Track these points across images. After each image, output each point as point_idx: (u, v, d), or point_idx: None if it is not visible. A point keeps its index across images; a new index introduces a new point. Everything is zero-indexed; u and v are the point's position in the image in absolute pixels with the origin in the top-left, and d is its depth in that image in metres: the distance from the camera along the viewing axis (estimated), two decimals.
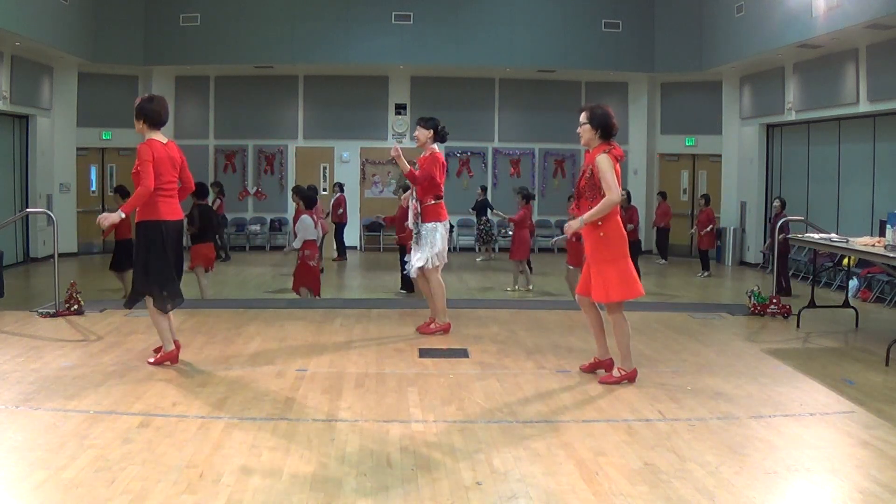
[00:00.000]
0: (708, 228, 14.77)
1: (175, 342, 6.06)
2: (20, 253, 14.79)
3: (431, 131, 7.25)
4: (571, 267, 10.73)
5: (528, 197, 12.56)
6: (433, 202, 7.16)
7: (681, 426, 4.70)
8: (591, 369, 5.91)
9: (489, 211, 16.62)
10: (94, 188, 17.13)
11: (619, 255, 5.56)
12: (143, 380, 5.54)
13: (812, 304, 8.25)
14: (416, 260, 7.20)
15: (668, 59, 17.12)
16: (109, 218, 5.95)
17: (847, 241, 7.66)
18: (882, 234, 7.62)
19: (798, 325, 7.99)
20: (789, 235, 9.47)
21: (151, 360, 6.02)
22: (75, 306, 7.87)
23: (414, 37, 16.79)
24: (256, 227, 18.39)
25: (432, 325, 7.34)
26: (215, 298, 10.51)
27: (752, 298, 8.62)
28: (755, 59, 14.57)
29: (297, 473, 3.89)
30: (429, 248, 7.13)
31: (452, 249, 18.14)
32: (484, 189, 17.31)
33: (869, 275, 11.43)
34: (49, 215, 9.68)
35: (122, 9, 16.22)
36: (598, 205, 5.46)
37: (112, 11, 15.94)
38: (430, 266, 7.16)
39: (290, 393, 5.29)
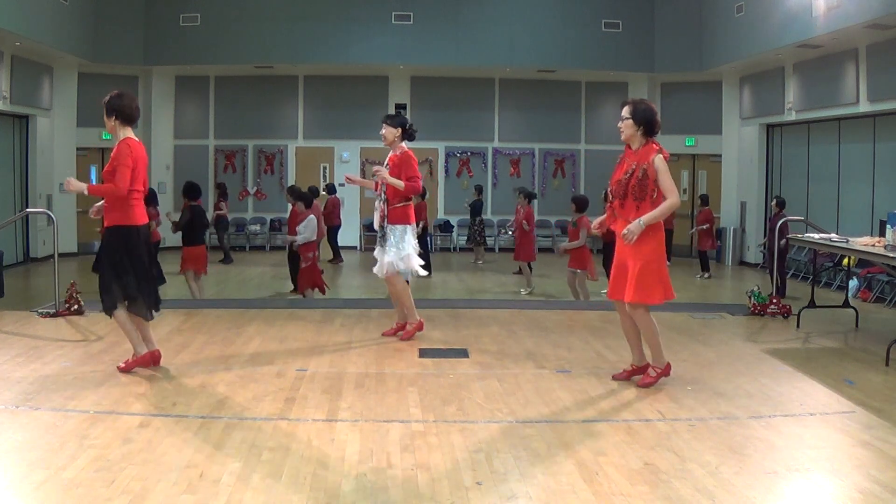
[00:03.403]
0: (703, 227, 14.72)
1: (156, 350, 5.85)
2: (20, 253, 14.79)
3: (399, 129, 6.88)
4: (574, 270, 10.74)
5: (529, 196, 12.59)
6: (403, 203, 6.84)
7: (681, 426, 4.70)
8: (627, 377, 5.69)
9: (481, 214, 16.61)
10: None
11: (662, 258, 5.44)
12: (143, 380, 5.54)
13: (812, 304, 8.25)
14: (386, 263, 6.83)
15: (668, 59, 17.12)
16: (73, 184, 5.60)
17: (847, 241, 7.66)
18: (882, 234, 7.62)
19: (798, 325, 7.98)
20: (788, 236, 9.47)
21: (122, 364, 5.75)
22: (75, 306, 7.86)
23: (414, 37, 16.80)
24: (256, 227, 18.40)
25: (408, 328, 7.04)
26: (215, 298, 10.51)
27: (752, 298, 8.61)
28: (755, 59, 14.58)
29: (297, 473, 3.89)
30: (400, 253, 6.79)
31: (452, 249, 18.28)
32: (479, 190, 17.07)
33: (869, 275, 11.43)
34: (49, 215, 9.68)
35: (122, 9, 16.23)
36: (660, 207, 5.31)
37: (112, 11, 15.95)
38: (395, 270, 6.85)
39: (290, 393, 5.29)
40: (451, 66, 17.29)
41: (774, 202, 12.56)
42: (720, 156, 17.09)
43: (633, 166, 5.37)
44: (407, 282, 7.18)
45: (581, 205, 10.71)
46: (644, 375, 5.60)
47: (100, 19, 15.69)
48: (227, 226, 16.80)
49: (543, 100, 18.36)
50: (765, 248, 12.31)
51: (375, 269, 7.01)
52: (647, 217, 5.28)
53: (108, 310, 5.65)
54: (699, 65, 16.38)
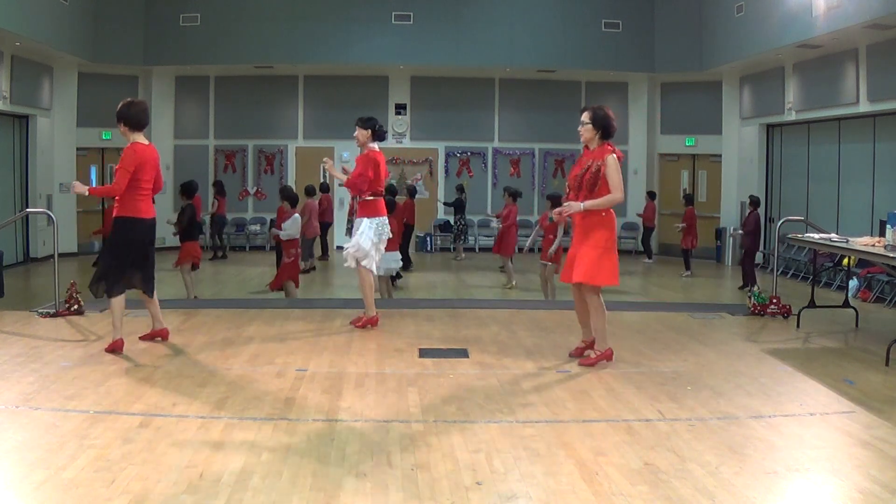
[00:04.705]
0: (680, 226, 14.91)
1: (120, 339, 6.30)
2: (20, 253, 14.79)
3: (369, 131, 7.40)
4: (544, 263, 11.08)
5: (514, 195, 12.96)
6: (370, 198, 7.37)
7: (681, 426, 4.70)
8: (580, 353, 6.31)
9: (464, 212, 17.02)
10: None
11: (612, 244, 6.03)
12: (143, 380, 5.54)
13: (812, 304, 8.25)
14: (348, 252, 7.44)
15: (668, 59, 17.13)
16: (77, 186, 6.34)
17: (847, 241, 7.66)
18: (882, 234, 7.62)
19: (798, 325, 7.98)
20: (789, 236, 9.47)
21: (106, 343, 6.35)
22: (75, 306, 7.87)
23: (414, 37, 16.81)
24: (256, 227, 18.40)
25: (363, 318, 7.53)
26: (215, 298, 10.52)
27: (752, 298, 8.61)
28: (755, 59, 14.58)
29: (297, 473, 3.89)
30: (355, 242, 7.35)
31: (452, 249, 18.27)
32: (461, 188, 17.35)
33: (869, 275, 11.43)
34: (49, 215, 9.69)
35: (122, 9, 16.23)
36: (603, 198, 5.91)
37: (112, 11, 15.95)
38: (361, 264, 7.38)
39: (290, 393, 5.29)
40: (451, 66, 17.29)
41: (749, 200, 13.06)
42: (720, 156, 17.09)
43: (590, 163, 6.00)
44: (395, 279, 7.52)
45: (556, 202, 10.97)
46: (586, 357, 6.18)
47: (100, 19, 15.69)
48: (222, 224, 16.80)
49: (543, 100, 18.36)
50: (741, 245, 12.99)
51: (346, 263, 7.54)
52: (589, 203, 5.92)
53: (100, 293, 6.28)
54: (699, 65, 16.38)
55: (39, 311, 7.96)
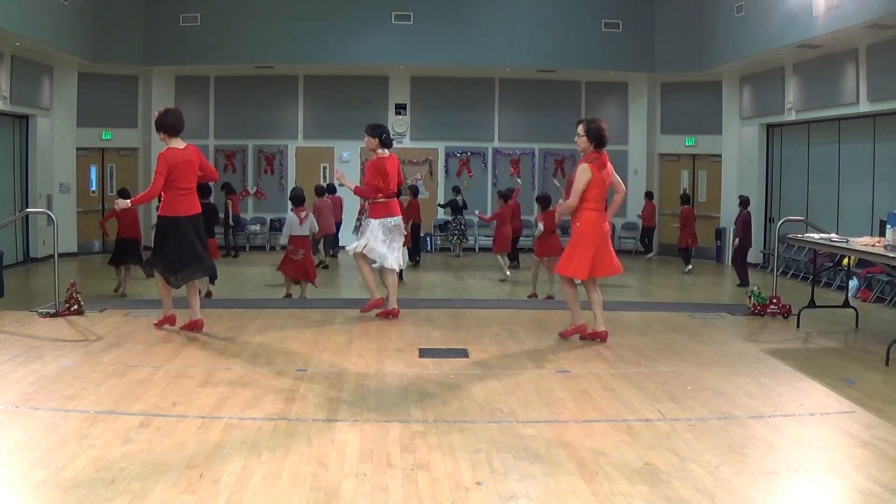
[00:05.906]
0: (675, 226, 15.23)
1: (198, 319, 7.16)
2: (20, 253, 14.77)
3: (377, 139, 7.90)
4: (539, 258, 11.51)
5: (505, 197, 13.43)
6: (382, 200, 7.88)
7: (681, 426, 4.70)
8: (567, 336, 7.07)
9: (463, 212, 17.29)
10: (94, 188, 17.11)
11: (585, 240, 6.75)
12: (143, 380, 5.54)
13: (812, 304, 8.25)
14: (354, 245, 8.00)
15: (668, 59, 17.11)
16: (120, 203, 7.24)
17: (847, 241, 7.66)
18: (882, 234, 7.62)
19: (798, 325, 7.99)
20: (789, 236, 9.47)
21: (156, 321, 7.29)
22: (75, 306, 7.88)
23: (414, 37, 16.79)
24: (256, 227, 18.39)
25: (368, 304, 8.13)
26: (215, 298, 10.51)
27: (752, 298, 8.61)
28: (755, 59, 14.57)
29: (297, 473, 3.90)
30: (365, 239, 7.87)
31: (452, 249, 18.27)
32: (457, 189, 17.53)
33: (869, 275, 11.42)
34: (49, 215, 9.68)
35: (122, 9, 16.20)
36: (560, 205, 7.11)
37: (112, 11, 15.93)
38: (359, 251, 7.90)
39: (290, 393, 5.29)
40: (451, 66, 17.27)
41: (739, 200, 13.47)
42: (720, 156, 17.06)
43: (574, 171, 6.92)
44: (401, 274, 8.56)
45: (543, 203, 11.90)
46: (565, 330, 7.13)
47: (100, 19, 15.67)
48: (237, 223, 17.07)
49: (543, 100, 18.34)
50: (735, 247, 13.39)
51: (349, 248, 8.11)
52: (560, 207, 7.18)
53: (148, 274, 7.58)
54: (699, 65, 16.36)
55: (39, 311, 7.96)
